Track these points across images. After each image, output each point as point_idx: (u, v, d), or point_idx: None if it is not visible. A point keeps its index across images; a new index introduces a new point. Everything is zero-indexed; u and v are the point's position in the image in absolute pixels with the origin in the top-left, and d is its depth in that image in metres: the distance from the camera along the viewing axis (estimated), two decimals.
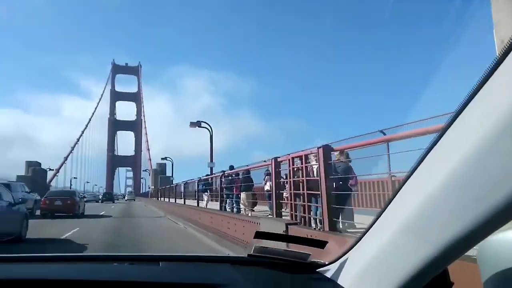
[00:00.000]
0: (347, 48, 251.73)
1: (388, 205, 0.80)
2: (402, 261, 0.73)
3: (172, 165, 43.38)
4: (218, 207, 11.68)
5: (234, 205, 10.86)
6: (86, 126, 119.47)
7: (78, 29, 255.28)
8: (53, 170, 74.17)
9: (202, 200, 14.73)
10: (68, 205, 16.51)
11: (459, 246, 0.62)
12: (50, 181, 75.45)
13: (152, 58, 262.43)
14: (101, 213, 19.30)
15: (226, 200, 11.46)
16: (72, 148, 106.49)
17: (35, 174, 57.13)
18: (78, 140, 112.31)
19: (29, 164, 61.84)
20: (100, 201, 44.40)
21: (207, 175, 15.43)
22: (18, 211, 8.61)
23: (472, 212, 0.57)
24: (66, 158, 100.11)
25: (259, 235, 1.09)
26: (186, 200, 17.89)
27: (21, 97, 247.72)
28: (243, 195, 10.06)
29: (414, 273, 0.70)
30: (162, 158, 46.03)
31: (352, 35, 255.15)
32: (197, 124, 23.22)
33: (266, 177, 9.65)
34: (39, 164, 63.48)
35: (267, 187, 9.49)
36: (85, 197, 31.58)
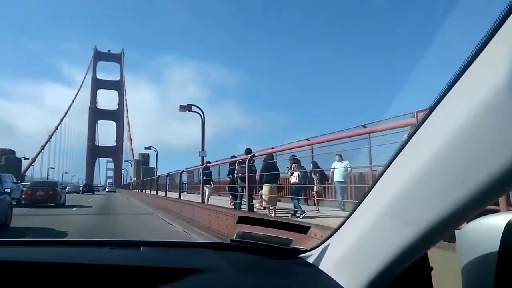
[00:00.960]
0: (338, 39, 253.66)
1: (370, 191, 0.82)
2: (383, 244, 0.74)
3: (157, 155, 41.75)
4: (223, 203, 9.49)
5: (243, 201, 8.67)
6: (65, 114, 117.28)
7: (64, 14, 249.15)
8: (28, 159, 72.24)
9: (198, 194, 12.21)
10: (50, 196, 17.31)
11: (441, 229, 0.62)
12: (26, 170, 73.21)
13: (138, 45, 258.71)
14: (80, 204, 19.66)
15: (241, 195, 8.96)
16: (50, 137, 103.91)
17: (9, 163, 55.66)
18: (56, 128, 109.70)
19: (2, 152, 59.86)
20: (80, 192, 44.46)
21: (233, 156, 10.62)
22: (4, 201, 9.19)
23: (454, 194, 0.57)
24: (43, 147, 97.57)
25: (242, 220, 1.11)
26: (174, 193, 15.98)
27: (1, 84, 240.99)
28: (265, 188, 7.74)
29: (395, 257, 0.71)
30: (145, 148, 44.15)
31: (340, 25, 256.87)
32: (188, 108, 20.62)
33: (293, 165, 7.85)
34: (13, 152, 61.24)
35: (294, 179, 7.78)
36: (66, 187, 31.90)
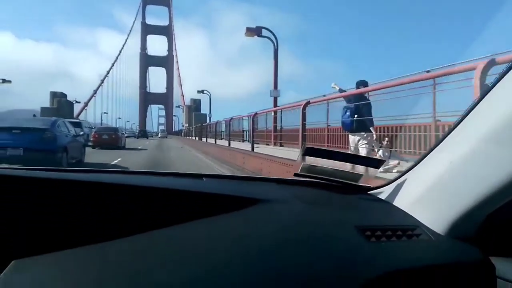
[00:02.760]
0: None
1: (463, 119, 0.75)
2: (479, 177, 0.69)
3: (210, 99, 40.20)
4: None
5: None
6: (116, 58, 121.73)
7: None
8: (79, 102, 70.87)
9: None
10: (113, 139, 20.43)
11: None
12: (79, 114, 74.02)
13: None
14: (139, 147, 22.50)
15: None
16: (102, 81, 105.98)
17: (60, 106, 55.33)
18: (108, 72, 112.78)
19: (54, 95, 59.49)
20: (136, 137, 49.24)
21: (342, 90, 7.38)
22: (79, 141, 11.12)
23: None
24: (95, 91, 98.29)
25: (309, 151, 1.02)
26: (238, 142, 14.27)
27: (58, 30, 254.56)
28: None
29: (492, 192, 0.67)
30: (198, 91, 42.32)
31: None
32: (256, 32, 17.08)
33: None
34: (65, 95, 61.06)
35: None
36: (125, 133, 35.58)
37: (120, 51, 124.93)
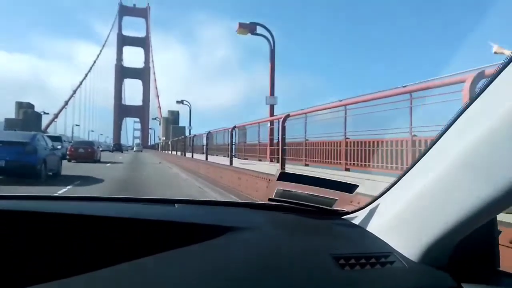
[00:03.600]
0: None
1: (437, 141, 0.76)
2: (447, 204, 0.71)
3: (190, 110, 37.47)
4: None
5: None
6: (90, 69, 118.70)
7: None
8: (48, 114, 66.79)
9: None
10: (89, 153, 21.62)
11: None
12: (47, 126, 70.18)
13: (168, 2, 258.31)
14: (113, 161, 23.86)
15: None
16: (74, 92, 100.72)
17: (27, 117, 53.18)
18: (80, 83, 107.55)
19: (20, 105, 56.43)
20: (111, 151, 49.59)
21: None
22: (57, 155, 11.73)
23: None
24: (66, 102, 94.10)
25: (283, 176, 1.04)
26: (216, 156, 14.14)
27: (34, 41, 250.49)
28: None
29: (461, 219, 0.69)
30: (177, 101, 39.22)
31: None
32: (250, 29, 14.92)
33: None
34: (32, 106, 57.71)
35: None
36: (100, 147, 36.05)
37: (94, 62, 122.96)
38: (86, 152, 21.53)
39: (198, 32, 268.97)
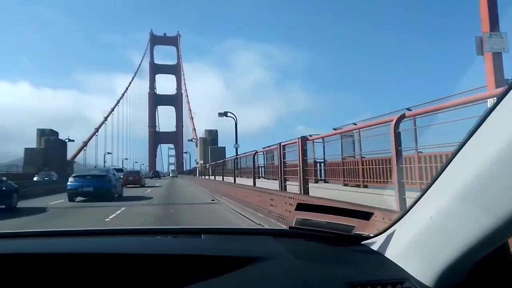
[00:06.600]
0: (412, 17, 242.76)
1: (441, 173, 0.81)
2: (459, 231, 0.75)
3: (236, 125, 32.27)
4: None
5: None
6: (122, 96, 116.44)
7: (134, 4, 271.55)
8: (73, 141, 60.86)
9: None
10: (136, 180, 30.45)
11: None
12: (76, 155, 67.15)
13: (202, 31, 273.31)
14: (156, 184, 31.83)
15: None
16: (105, 118, 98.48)
17: (49, 146, 50.01)
18: (112, 110, 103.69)
19: (42, 132, 52.27)
20: (150, 177, 58.94)
21: None
22: (120, 181, 18.75)
23: None
24: (97, 129, 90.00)
25: (301, 207, 1.16)
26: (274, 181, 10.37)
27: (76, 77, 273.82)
28: None
29: (473, 245, 0.72)
30: (219, 114, 32.97)
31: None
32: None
33: None
34: (56, 133, 53.67)
35: None
36: (144, 174, 44.33)
37: (126, 89, 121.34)
38: (135, 179, 30.18)
39: (231, 56, 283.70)
